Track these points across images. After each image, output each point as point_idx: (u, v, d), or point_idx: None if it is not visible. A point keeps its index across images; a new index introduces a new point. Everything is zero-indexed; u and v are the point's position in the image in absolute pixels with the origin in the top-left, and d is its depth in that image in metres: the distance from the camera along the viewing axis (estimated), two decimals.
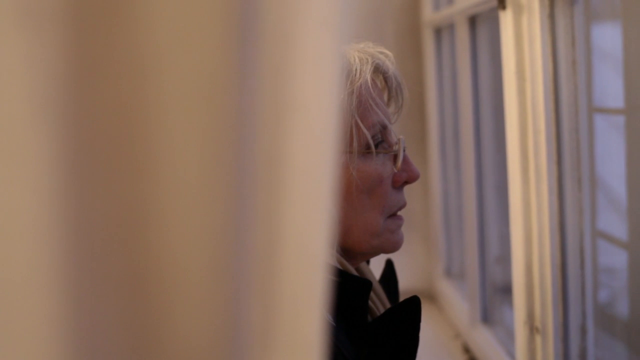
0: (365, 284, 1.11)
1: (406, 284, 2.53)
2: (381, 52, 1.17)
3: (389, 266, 1.33)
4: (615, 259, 2.03)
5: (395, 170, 1.15)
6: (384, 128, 1.14)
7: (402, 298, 1.17)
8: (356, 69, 1.13)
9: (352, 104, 1.10)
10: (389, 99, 1.20)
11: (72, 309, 0.55)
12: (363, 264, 1.24)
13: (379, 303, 1.22)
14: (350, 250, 1.14)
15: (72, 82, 0.54)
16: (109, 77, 0.55)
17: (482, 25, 2.73)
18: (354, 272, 1.15)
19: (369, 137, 1.12)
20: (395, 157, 1.15)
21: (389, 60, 1.18)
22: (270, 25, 0.58)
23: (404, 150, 1.17)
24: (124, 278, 0.58)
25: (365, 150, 1.12)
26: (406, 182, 1.17)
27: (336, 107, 0.60)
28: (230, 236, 0.58)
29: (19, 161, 0.53)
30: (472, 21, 2.74)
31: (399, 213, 1.18)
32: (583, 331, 1.86)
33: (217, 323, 0.58)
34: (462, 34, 2.77)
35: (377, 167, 1.13)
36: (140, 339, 0.58)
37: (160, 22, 0.55)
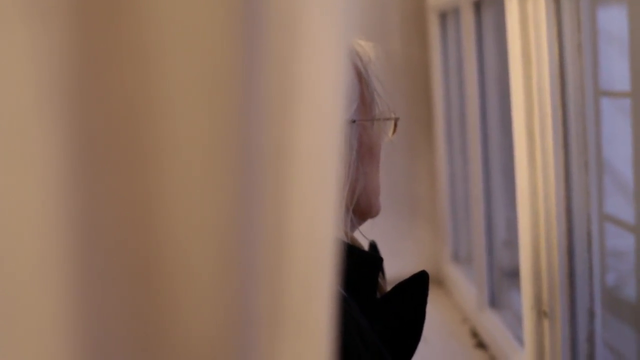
0: (376, 260, 1.18)
1: (413, 269, 2.53)
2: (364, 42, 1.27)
3: (374, 248, 1.36)
4: (623, 242, 2.03)
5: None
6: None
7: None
8: (365, 51, 1.21)
9: (371, 78, 1.20)
10: None
11: (79, 304, 0.56)
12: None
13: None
14: (362, 214, 1.21)
15: (78, 75, 0.54)
16: (115, 69, 0.55)
17: (488, 9, 2.72)
18: (364, 248, 1.22)
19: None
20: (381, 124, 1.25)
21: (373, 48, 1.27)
22: (275, 16, 0.58)
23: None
24: (131, 270, 0.58)
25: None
26: None
27: (342, 95, 0.60)
28: (238, 227, 0.58)
29: (24, 155, 0.53)
30: (477, 5, 2.74)
31: None
32: (591, 315, 1.86)
33: (226, 313, 0.59)
34: (468, 18, 2.76)
35: (380, 134, 1.22)
36: (149, 330, 0.59)
37: (165, 14, 0.55)
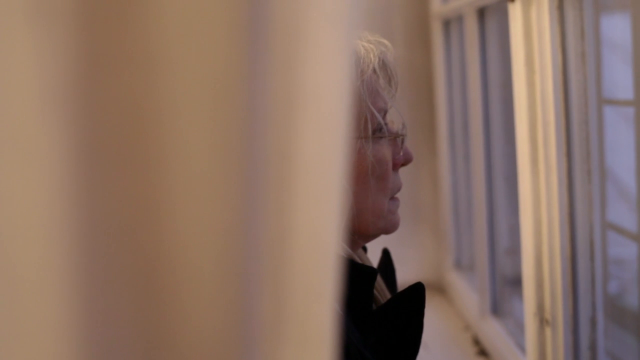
0: (371, 272, 1.15)
1: (415, 276, 2.52)
2: (379, 42, 1.22)
3: (386, 255, 1.35)
4: (625, 250, 2.03)
5: (401, 154, 1.21)
6: (385, 113, 1.20)
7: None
8: (364, 58, 1.17)
9: (364, 91, 1.15)
10: (387, 86, 1.23)
11: (84, 305, 0.56)
12: (361, 252, 1.26)
13: (381, 291, 1.24)
14: (356, 233, 1.18)
15: (83, 79, 0.55)
16: (120, 73, 0.55)
17: (491, 17, 2.72)
18: (359, 260, 1.19)
19: (382, 122, 1.17)
20: (394, 140, 1.21)
21: (387, 49, 1.22)
22: (279, 21, 0.58)
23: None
24: (135, 273, 0.58)
25: (379, 135, 1.17)
26: (402, 165, 1.23)
27: (346, 101, 0.60)
28: (241, 231, 0.58)
29: (30, 158, 0.54)
30: (481, 13, 2.74)
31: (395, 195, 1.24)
32: (593, 323, 1.86)
33: (229, 316, 0.59)
34: (471, 26, 2.77)
35: (384, 151, 1.18)
36: (153, 333, 0.59)
37: (171, 18, 0.55)
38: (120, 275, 0.58)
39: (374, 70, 1.17)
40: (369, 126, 1.15)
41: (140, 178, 0.57)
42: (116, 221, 0.57)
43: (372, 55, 1.17)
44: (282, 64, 0.59)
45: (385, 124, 1.19)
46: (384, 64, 1.21)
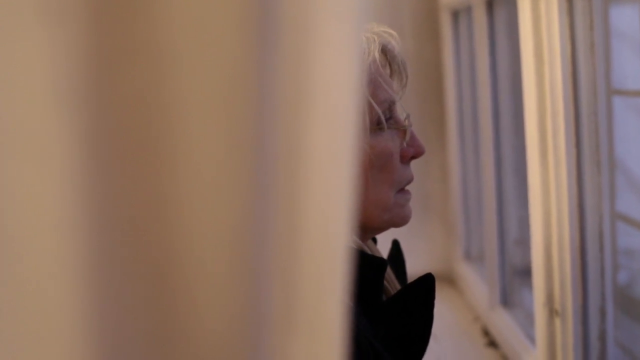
0: (381, 262, 1.14)
1: (425, 267, 2.52)
2: (385, 32, 1.19)
3: (396, 246, 1.34)
4: (635, 240, 2.03)
5: (405, 145, 1.18)
6: (391, 104, 1.17)
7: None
8: (364, 49, 1.15)
9: (362, 82, 1.12)
10: (393, 76, 1.22)
11: (94, 302, 0.56)
12: (371, 244, 1.26)
13: (391, 282, 1.24)
14: (362, 226, 1.17)
15: (94, 78, 0.55)
16: (130, 71, 0.56)
17: (500, 7, 2.72)
18: (369, 251, 1.17)
19: (380, 113, 1.14)
20: (404, 132, 1.18)
21: (393, 39, 1.20)
22: (288, 16, 0.58)
23: (410, 126, 1.20)
24: (146, 269, 0.58)
25: (377, 127, 1.15)
26: (413, 157, 1.20)
27: (356, 97, 0.61)
28: (251, 226, 0.58)
29: (41, 156, 0.54)
30: (490, 4, 2.74)
31: (406, 188, 1.21)
32: (602, 313, 1.86)
33: (239, 311, 0.59)
34: (480, 17, 2.76)
35: (387, 143, 1.15)
36: (163, 328, 0.59)
37: (180, 16, 0.55)
38: (131, 271, 0.58)
39: (375, 61, 1.15)
40: (367, 118, 1.13)
41: (150, 174, 0.57)
42: (126, 218, 0.57)
43: (372, 46, 1.15)
44: (292, 60, 0.59)
45: (390, 116, 1.17)
46: (387, 55, 1.20)
